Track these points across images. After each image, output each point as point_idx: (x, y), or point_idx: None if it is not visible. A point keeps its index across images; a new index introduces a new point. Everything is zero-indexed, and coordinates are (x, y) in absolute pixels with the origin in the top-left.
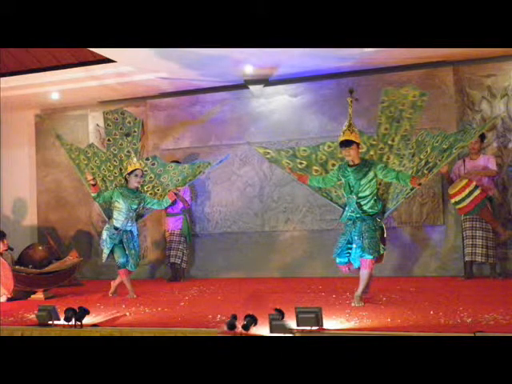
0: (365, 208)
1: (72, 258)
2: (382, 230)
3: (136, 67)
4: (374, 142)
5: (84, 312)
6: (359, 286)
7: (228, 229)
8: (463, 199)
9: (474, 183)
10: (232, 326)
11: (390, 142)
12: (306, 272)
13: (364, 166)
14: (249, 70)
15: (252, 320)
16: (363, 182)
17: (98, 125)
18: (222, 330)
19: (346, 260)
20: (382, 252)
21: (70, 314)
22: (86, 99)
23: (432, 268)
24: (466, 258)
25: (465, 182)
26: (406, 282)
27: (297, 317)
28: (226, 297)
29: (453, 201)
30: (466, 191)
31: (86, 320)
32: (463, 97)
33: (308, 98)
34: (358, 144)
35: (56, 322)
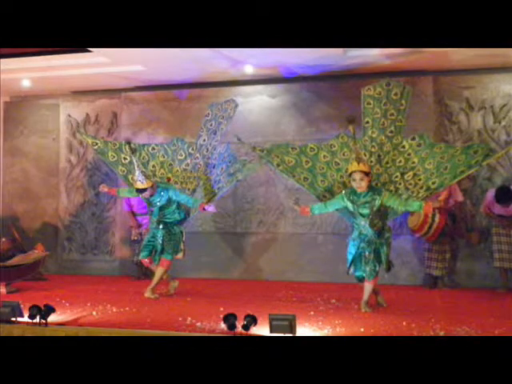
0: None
1: (37, 252)
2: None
3: (112, 58)
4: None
5: (49, 310)
6: (364, 294)
7: (199, 228)
8: (427, 232)
9: (431, 212)
10: (232, 326)
11: (384, 149)
12: (279, 276)
13: (373, 193)
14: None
15: (252, 320)
16: (371, 208)
17: (69, 115)
18: None
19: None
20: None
21: (35, 311)
22: (59, 88)
23: (402, 277)
24: (426, 271)
25: (422, 218)
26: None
27: (270, 324)
28: (195, 298)
29: (417, 235)
30: (427, 224)
31: (51, 318)
32: (441, 107)
33: (287, 99)
34: (368, 174)
35: (19, 319)
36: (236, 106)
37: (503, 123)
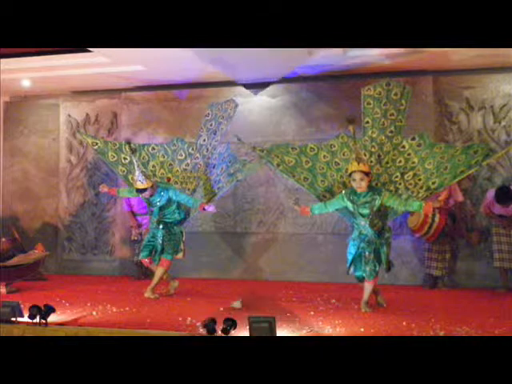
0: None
1: (37, 252)
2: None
3: (112, 58)
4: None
5: (49, 310)
6: (364, 294)
7: (199, 228)
8: (427, 232)
9: (431, 212)
10: (211, 330)
11: (384, 149)
12: (279, 276)
13: (373, 193)
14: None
15: (232, 323)
16: (371, 208)
17: (69, 115)
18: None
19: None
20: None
21: (35, 311)
22: (59, 88)
23: (402, 277)
24: (426, 271)
25: (422, 218)
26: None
27: (250, 326)
28: (195, 298)
29: (417, 235)
30: (427, 224)
31: (52, 318)
32: (441, 107)
33: (287, 99)
34: (368, 174)
35: (19, 319)
36: (236, 105)
37: (503, 123)
